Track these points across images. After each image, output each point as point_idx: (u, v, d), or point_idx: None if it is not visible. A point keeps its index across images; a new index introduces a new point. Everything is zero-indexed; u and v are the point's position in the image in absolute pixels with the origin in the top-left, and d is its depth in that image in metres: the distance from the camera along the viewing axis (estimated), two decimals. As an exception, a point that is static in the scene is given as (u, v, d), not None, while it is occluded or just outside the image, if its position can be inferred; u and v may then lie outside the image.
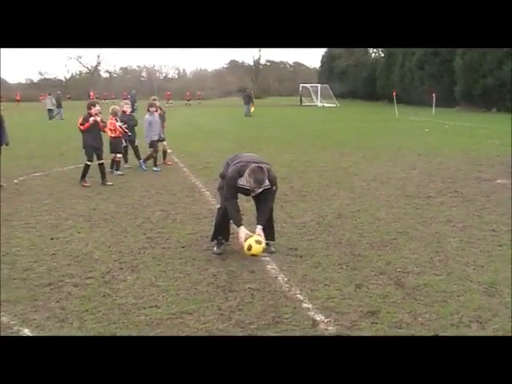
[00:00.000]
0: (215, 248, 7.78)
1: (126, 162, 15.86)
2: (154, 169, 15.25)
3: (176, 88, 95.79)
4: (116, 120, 14.69)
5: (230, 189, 7.41)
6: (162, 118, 16.40)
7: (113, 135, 14.52)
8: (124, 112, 15.49)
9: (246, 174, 7.12)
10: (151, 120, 15.30)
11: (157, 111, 15.73)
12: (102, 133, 13.28)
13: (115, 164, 14.77)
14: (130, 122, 15.46)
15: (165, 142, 16.33)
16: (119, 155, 14.84)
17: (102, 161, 13.17)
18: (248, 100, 46.22)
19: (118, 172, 14.61)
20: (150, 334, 5.14)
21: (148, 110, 15.54)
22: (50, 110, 41.57)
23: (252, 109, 45.34)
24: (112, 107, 15.37)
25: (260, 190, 7.26)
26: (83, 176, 13.02)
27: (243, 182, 7.25)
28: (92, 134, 12.92)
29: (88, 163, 13.02)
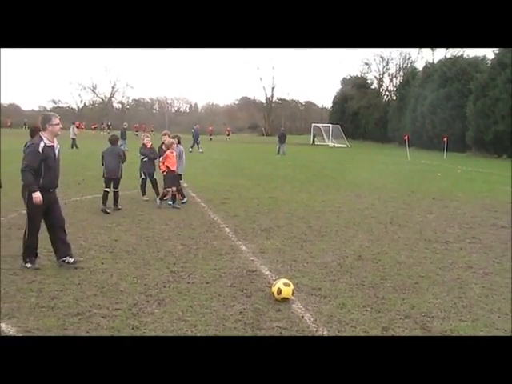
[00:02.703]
0: (29, 265, 8.47)
1: (143, 194, 15.96)
2: (182, 201, 15.48)
3: (187, 122, 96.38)
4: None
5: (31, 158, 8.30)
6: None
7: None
8: (145, 145, 15.65)
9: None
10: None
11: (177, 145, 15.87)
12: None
13: (172, 196, 15.05)
14: (150, 155, 15.62)
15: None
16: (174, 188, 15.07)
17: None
18: (283, 139, 46.00)
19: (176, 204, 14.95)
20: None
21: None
22: (73, 139, 42.65)
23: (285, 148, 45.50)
24: (167, 140, 15.49)
25: None
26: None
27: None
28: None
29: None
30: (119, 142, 14.69)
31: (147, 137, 16.46)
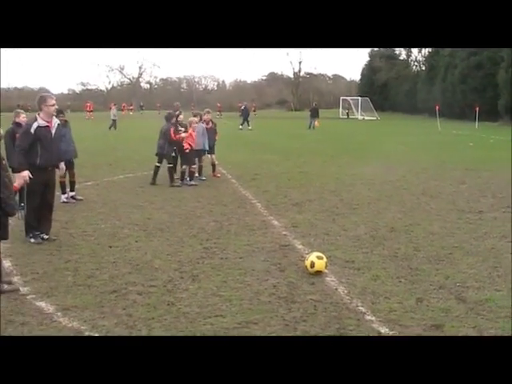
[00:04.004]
0: (32, 239, 8.78)
1: (175, 172, 16.06)
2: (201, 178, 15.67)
3: (215, 99, 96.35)
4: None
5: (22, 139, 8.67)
6: (214, 130, 16.51)
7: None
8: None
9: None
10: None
11: (208, 124, 16.00)
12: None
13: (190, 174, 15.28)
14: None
15: (214, 155, 16.44)
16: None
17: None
18: (315, 113, 46.15)
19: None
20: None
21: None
22: (113, 120, 43.04)
23: (316, 123, 45.45)
24: (191, 119, 15.68)
25: None
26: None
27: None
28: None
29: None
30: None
31: (209, 112, 16.67)
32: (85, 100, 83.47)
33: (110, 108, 48.00)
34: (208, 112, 16.75)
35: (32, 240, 8.78)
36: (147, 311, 6.06)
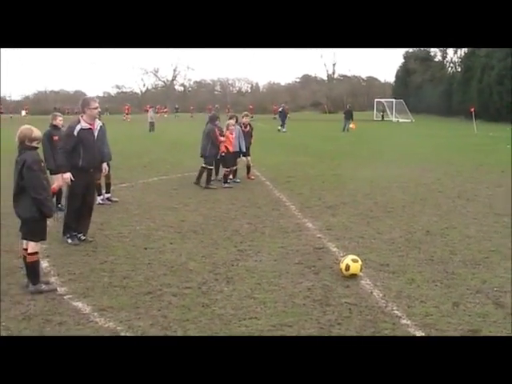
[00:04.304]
0: (69, 240, 8.91)
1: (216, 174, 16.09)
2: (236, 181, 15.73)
3: (248, 102, 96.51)
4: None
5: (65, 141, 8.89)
6: (250, 133, 16.52)
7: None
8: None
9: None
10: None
11: (246, 127, 16.08)
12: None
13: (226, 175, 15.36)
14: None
15: (249, 158, 16.46)
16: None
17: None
18: (349, 116, 46.02)
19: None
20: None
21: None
22: (151, 123, 43.37)
23: (352, 125, 45.33)
24: (228, 121, 15.77)
25: None
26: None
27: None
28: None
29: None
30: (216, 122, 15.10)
31: (247, 116, 16.80)
32: (119, 103, 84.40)
33: (147, 111, 48.34)
34: (246, 115, 16.82)
35: (69, 241, 8.89)
36: (182, 313, 6.09)
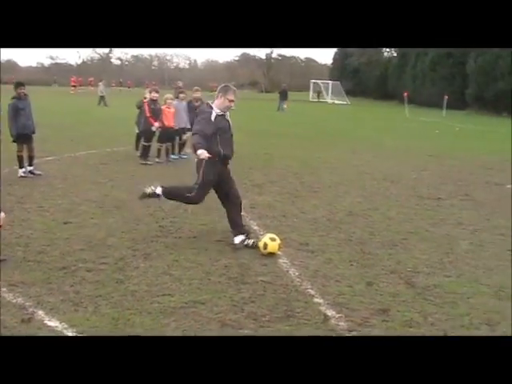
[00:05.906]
0: None
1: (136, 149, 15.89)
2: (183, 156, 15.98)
3: (187, 78, 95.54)
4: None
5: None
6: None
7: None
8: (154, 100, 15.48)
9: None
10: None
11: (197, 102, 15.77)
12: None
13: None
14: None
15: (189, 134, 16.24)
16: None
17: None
18: (284, 96, 46.31)
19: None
20: (164, 321, 5.20)
21: (177, 97, 15.87)
22: (101, 97, 42.44)
23: (285, 105, 45.51)
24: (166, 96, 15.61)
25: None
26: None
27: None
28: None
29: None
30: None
31: (197, 91, 16.37)
32: (53, 74, 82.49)
33: (98, 85, 47.18)
34: (197, 90, 16.20)
35: None
36: (95, 288, 5.99)
